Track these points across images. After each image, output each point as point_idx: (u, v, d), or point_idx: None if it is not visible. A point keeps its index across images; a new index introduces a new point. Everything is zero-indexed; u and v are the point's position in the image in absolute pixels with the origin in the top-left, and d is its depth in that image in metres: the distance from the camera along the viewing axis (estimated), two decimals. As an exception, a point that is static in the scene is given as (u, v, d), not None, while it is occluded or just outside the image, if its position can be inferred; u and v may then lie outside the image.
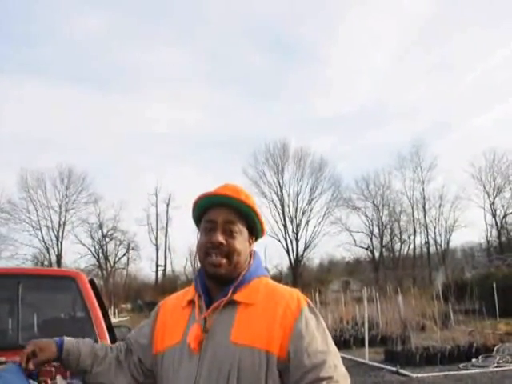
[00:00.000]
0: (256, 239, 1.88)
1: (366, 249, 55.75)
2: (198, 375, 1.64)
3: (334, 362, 1.62)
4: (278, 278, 45.79)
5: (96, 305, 3.98)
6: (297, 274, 51.12)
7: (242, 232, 1.78)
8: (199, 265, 1.86)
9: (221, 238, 1.73)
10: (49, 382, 2.07)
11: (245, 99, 76.76)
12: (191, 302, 1.81)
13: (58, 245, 51.71)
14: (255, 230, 1.85)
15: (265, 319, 1.66)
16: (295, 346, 1.61)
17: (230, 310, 1.70)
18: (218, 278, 1.75)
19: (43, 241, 51.32)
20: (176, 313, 1.86)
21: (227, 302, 1.70)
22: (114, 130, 76.58)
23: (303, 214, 53.57)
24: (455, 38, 68.81)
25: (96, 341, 3.75)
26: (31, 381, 1.99)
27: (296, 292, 1.79)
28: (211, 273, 1.75)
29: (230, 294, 1.70)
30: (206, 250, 1.75)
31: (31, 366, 1.91)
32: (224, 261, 1.73)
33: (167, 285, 51.94)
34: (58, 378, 2.14)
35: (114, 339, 4.03)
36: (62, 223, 52.14)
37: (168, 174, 76.90)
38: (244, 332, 1.65)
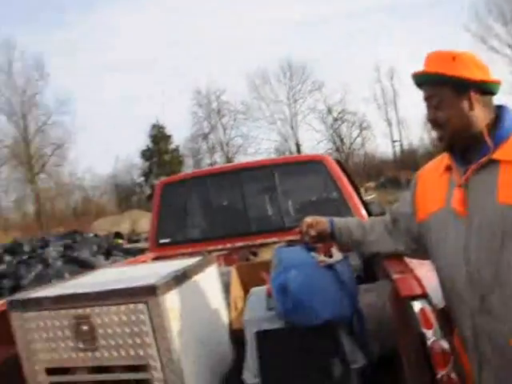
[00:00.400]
0: (485, 93, 1.77)
1: None
2: (468, 238, 1.67)
3: None
4: None
5: (347, 183, 4.18)
6: None
7: (446, 98, 1.76)
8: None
9: (430, 114, 1.81)
10: (322, 255, 2.33)
11: None
12: (448, 168, 1.84)
13: (294, 135, 54.09)
14: (466, 85, 1.74)
15: None
16: None
17: (492, 170, 1.67)
18: (447, 149, 1.82)
19: (280, 133, 54.06)
20: (434, 180, 1.89)
21: (487, 162, 1.69)
22: (326, 14, 74.65)
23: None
24: None
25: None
26: (312, 253, 2.32)
27: None
28: (442, 147, 1.84)
29: (488, 153, 1.68)
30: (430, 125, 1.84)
31: (312, 232, 2.25)
32: (443, 133, 1.80)
33: (406, 159, 51.37)
34: (333, 249, 2.40)
35: (370, 215, 4.27)
36: (293, 114, 54.03)
37: (385, 49, 73.54)
38: (510, 190, 1.61)
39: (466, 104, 1.75)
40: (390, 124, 56.09)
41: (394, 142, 56.18)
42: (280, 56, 62.29)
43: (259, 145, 53.42)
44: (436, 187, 1.86)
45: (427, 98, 1.81)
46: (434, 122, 1.80)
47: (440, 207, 1.80)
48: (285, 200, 4.56)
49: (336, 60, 73.13)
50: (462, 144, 1.77)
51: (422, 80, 1.83)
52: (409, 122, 56.20)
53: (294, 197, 4.81)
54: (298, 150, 52.78)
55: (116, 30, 69.07)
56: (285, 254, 2.42)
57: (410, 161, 49.83)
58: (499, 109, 1.80)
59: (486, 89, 1.78)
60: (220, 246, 3.97)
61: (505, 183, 1.63)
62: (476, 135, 1.73)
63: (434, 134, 1.83)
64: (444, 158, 1.89)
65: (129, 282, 2.22)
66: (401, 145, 56.51)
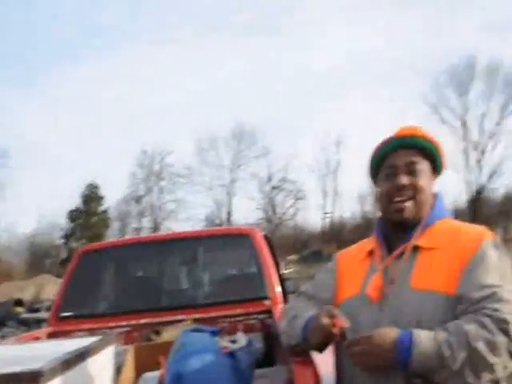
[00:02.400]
0: (437, 176, 1.85)
1: None
2: (379, 324, 1.62)
3: (508, 297, 1.50)
4: (453, 213, 43.07)
5: (269, 259, 4.09)
6: (476, 209, 47.12)
7: (425, 170, 1.77)
8: (378, 213, 1.88)
9: (405, 180, 1.73)
10: (226, 337, 2.26)
11: (421, 20, 69.82)
12: (370, 253, 1.82)
13: (228, 202, 54.34)
14: (436, 168, 1.82)
15: (446, 261, 1.61)
16: (465, 278, 1.56)
17: (412, 256, 1.67)
18: (402, 224, 1.74)
19: (215, 200, 54.18)
20: (354, 264, 1.86)
21: (410, 248, 1.68)
22: (278, 78, 75.43)
23: (490, 137, 48.12)
24: None
25: (267, 296, 4.00)
26: (215, 338, 2.25)
27: (482, 228, 1.72)
28: (396, 219, 1.75)
29: (412, 240, 1.69)
30: (389, 196, 1.76)
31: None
32: (409, 203, 1.73)
33: (333, 232, 52.33)
34: (239, 334, 2.34)
35: (284, 293, 4.23)
36: (233, 180, 54.50)
37: (336, 118, 75.16)
38: (424, 277, 1.61)
39: (430, 183, 1.80)
40: (325, 195, 57.30)
41: (325, 213, 57.29)
42: (232, 120, 63.12)
43: (192, 210, 53.11)
44: (355, 272, 1.84)
45: (407, 164, 1.75)
46: (404, 188, 1.73)
47: (355, 293, 1.77)
48: (203, 274, 4.48)
49: (284, 127, 74.46)
50: (407, 223, 1.74)
51: (413, 143, 1.78)
52: (344, 195, 57.51)
53: (215, 271, 4.72)
54: (229, 219, 52.89)
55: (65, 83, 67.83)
56: (188, 338, 2.33)
57: (336, 235, 50.78)
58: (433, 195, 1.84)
59: (440, 173, 1.85)
60: (124, 323, 3.75)
61: (421, 269, 1.64)
62: (419, 218, 1.74)
63: (397, 203, 1.73)
64: (366, 244, 1.89)
65: (11, 365, 2.04)
66: (331, 217, 57.65)
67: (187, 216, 52.11)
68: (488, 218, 37.46)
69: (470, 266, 1.58)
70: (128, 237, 30.40)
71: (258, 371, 2.55)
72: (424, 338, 1.48)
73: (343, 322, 1.60)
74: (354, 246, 2.01)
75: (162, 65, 69.27)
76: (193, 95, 68.81)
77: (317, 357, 1.87)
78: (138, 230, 47.99)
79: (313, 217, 71.19)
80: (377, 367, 1.55)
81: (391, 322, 1.60)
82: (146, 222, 51.36)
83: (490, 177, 48.38)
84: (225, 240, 4.49)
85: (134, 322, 3.74)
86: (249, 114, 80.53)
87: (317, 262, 42.29)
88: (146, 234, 41.09)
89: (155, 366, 2.65)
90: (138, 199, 50.06)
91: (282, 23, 71.88)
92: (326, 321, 1.62)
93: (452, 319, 1.53)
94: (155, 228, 47.79)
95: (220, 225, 48.11)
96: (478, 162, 48.17)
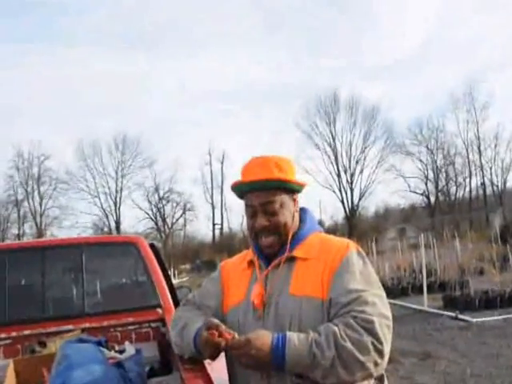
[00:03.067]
0: (299, 192, 1.90)
1: (421, 194, 55.15)
2: (265, 328, 1.68)
3: (373, 300, 1.63)
4: (333, 229, 45.77)
5: (157, 267, 4.07)
6: (352, 224, 51.01)
7: (283, 203, 1.81)
8: None
9: (263, 221, 1.79)
10: (116, 347, 2.19)
11: (295, 52, 75.98)
12: (251, 263, 1.89)
13: (116, 211, 53.14)
14: (295, 190, 1.87)
15: (319, 269, 1.72)
16: (334, 284, 1.68)
17: (289, 266, 1.78)
18: (274, 256, 1.81)
19: (102, 208, 52.81)
20: (237, 274, 1.94)
21: (286, 258, 1.78)
22: (164, 91, 76.92)
23: (357, 162, 53.43)
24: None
25: (159, 304, 3.91)
26: (101, 348, 2.14)
27: (348, 241, 1.85)
28: (266, 253, 1.83)
29: (287, 251, 1.78)
30: (254, 233, 1.83)
31: None
32: (274, 239, 1.80)
33: (224, 243, 52.79)
34: (127, 344, 2.26)
35: (176, 301, 4.18)
36: (118, 189, 53.42)
37: (221, 133, 77.36)
38: (301, 284, 1.72)
39: (292, 205, 1.85)
40: (214, 207, 57.74)
41: (214, 224, 57.63)
42: (115, 128, 62.08)
43: (77, 218, 51.31)
44: (239, 281, 1.90)
45: (263, 204, 1.79)
46: (265, 228, 1.79)
47: (240, 301, 1.84)
48: (90, 283, 4.29)
49: (170, 139, 74.98)
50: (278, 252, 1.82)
51: (258, 186, 1.80)
52: (232, 207, 58.57)
53: (103, 279, 4.56)
54: (117, 227, 51.77)
55: None
56: (71, 349, 2.19)
57: (227, 245, 51.25)
58: (301, 211, 1.92)
59: (301, 190, 1.90)
60: (3, 335, 3.48)
61: (298, 277, 1.75)
62: (288, 239, 1.81)
63: (263, 240, 1.80)
64: (247, 254, 1.95)
65: None
66: (221, 228, 58.14)
67: (72, 223, 50.44)
68: (363, 233, 40.19)
69: (337, 274, 1.70)
70: (8, 242, 28.86)
71: (154, 380, 2.50)
72: (297, 340, 1.57)
73: (227, 333, 1.65)
74: (236, 256, 2.08)
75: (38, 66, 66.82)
76: (75, 99, 66.96)
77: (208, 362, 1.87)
78: (19, 235, 45.60)
79: (203, 227, 71.62)
80: (258, 367, 1.62)
81: (275, 327, 1.68)
82: (28, 228, 49.12)
83: (361, 197, 54.07)
84: (111, 248, 4.42)
85: (14, 333, 3.47)
86: (132, 123, 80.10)
87: (209, 271, 42.53)
88: (28, 240, 39.07)
89: (39, 380, 2.51)
90: (16, 203, 47.58)
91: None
92: (205, 335, 1.67)
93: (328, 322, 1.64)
94: (38, 234, 45.69)
95: (109, 233, 46.93)
96: (350, 183, 53.06)
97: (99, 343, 2.21)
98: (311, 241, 1.83)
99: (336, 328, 1.56)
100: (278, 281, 1.76)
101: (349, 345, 1.53)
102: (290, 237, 1.81)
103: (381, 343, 1.56)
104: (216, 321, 1.70)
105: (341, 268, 1.70)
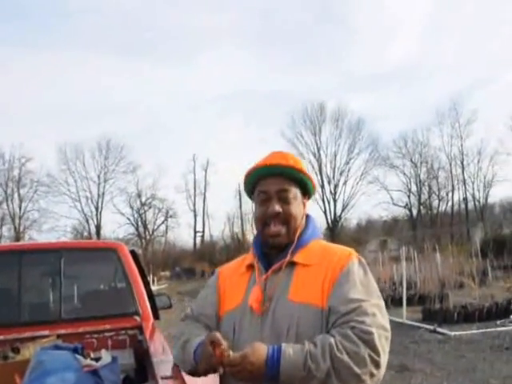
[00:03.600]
0: (309, 198, 1.93)
1: (404, 207, 55.36)
2: (261, 334, 1.68)
3: (372, 310, 1.62)
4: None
5: (137, 274, 4.06)
6: (334, 235, 51.06)
7: (296, 197, 1.83)
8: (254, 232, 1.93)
9: (277, 208, 1.78)
10: (92, 354, 2.16)
11: (281, 62, 76.46)
12: (250, 267, 1.87)
13: (97, 215, 52.69)
14: (307, 191, 1.89)
15: (320, 277, 1.70)
16: (334, 293, 1.66)
17: (289, 271, 1.75)
18: (278, 247, 1.80)
19: (83, 212, 52.31)
20: (235, 278, 1.91)
21: (287, 263, 1.76)
22: (150, 98, 76.92)
23: (341, 174, 53.59)
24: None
25: (137, 311, 3.89)
26: (77, 355, 2.11)
27: (349, 250, 1.83)
28: (271, 243, 1.81)
29: (289, 256, 1.76)
30: (263, 221, 1.81)
31: None
32: (283, 229, 1.79)
33: (205, 251, 52.61)
34: (103, 351, 2.23)
35: (154, 308, 4.15)
36: (100, 194, 52.97)
37: (206, 140, 77.46)
38: (301, 290, 1.70)
39: (302, 206, 1.86)
40: (196, 214, 57.57)
41: (196, 232, 57.41)
42: (99, 132, 61.84)
43: (57, 221, 50.78)
44: (236, 286, 1.88)
45: (278, 191, 1.80)
46: (277, 215, 1.78)
47: (237, 305, 1.82)
48: (68, 288, 4.28)
49: (154, 145, 74.92)
50: (283, 246, 1.80)
51: (277, 171, 1.81)
52: (214, 215, 58.49)
53: (81, 285, 4.53)
54: (98, 232, 51.35)
55: None
56: (46, 356, 2.16)
57: (208, 253, 51.14)
58: (306, 217, 1.91)
59: (312, 195, 1.92)
60: None
61: (297, 283, 1.72)
62: (293, 238, 1.80)
63: (271, 229, 1.78)
64: (246, 258, 1.93)
65: None
66: (202, 236, 57.93)
67: (52, 227, 49.90)
68: (344, 244, 39.71)
69: (338, 282, 1.68)
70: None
71: None
72: (292, 352, 1.54)
73: (223, 349, 1.58)
74: (234, 261, 2.05)
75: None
76: (58, 102, 66.93)
77: None
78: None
79: (184, 235, 71.43)
80: (252, 379, 1.57)
81: (272, 333, 1.67)
82: (6, 231, 48.53)
83: (344, 208, 54.57)
84: (90, 253, 4.39)
85: None
86: (116, 128, 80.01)
87: (189, 278, 42.45)
88: (5, 243, 38.52)
89: None
90: (-5, 205, 47.03)
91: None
92: (208, 349, 1.62)
93: (326, 331, 1.62)
94: (17, 237, 45.16)
95: (89, 238, 46.53)
96: (333, 194, 53.60)
97: (75, 350, 2.18)
98: (313, 247, 1.82)
99: (333, 339, 1.54)
100: (278, 286, 1.74)
101: (345, 357, 1.51)
102: (296, 234, 1.81)
103: (378, 355, 1.54)
104: (218, 336, 1.63)
105: (341, 277, 1.69)
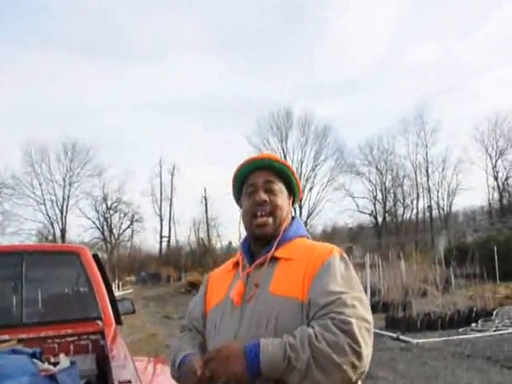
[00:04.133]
0: (294, 200, 2.00)
1: (369, 214, 56.00)
2: (239, 326, 1.71)
3: (352, 302, 1.61)
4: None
5: (99, 278, 4.03)
6: None
7: (282, 190, 1.91)
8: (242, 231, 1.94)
9: (264, 196, 1.85)
10: (51, 359, 2.13)
11: (248, 67, 76.73)
12: (236, 265, 1.92)
13: (62, 219, 51.91)
14: (292, 190, 1.97)
15: (300, 271, 1.72)
16: (314, 286, 1.67)
17: (271, 265, 1.78)
18: (264, 238, 1.85)
19: (47, 215, 51.49)
20: (221, 277, 1.97)
21: (270, 258, 1.79)
22: (117, 102, 76.41)
23: (307, 180, 53.80)
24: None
25: (99, 316, 3.83)
26: (35, 360, 2.06)
27: (332, 246, 1.85)
28: (258, 234, 1.85)
29: (272, 250, 1.80)
30: (251, 211, 1.86)
31: None
32: (269, 219, 1.85)
33: (171, 256, 52.28)
34: (61, 356, 2.20)
35: (117, 313, 4.10)
36: (66, 197, 52.22)
37: (172, 145, 77.28)
38: (282, 283, 1.72)
39: (288, 202, 1.94)
40: (162, 219, 57.22)
41: (162, 237, 57.03)
42: (65, 134, 60.91)
43: (21, 224, 49.82)
44: (221, 282, 1.93)
45: (266, 182, 1.88)
46: (263, 203, 1.85)
47: (220, 300, 1.86)
48: (30, 292, 4.18)
49: (120, 149, 74.43)
50: (268, 238, 1.84)
51: (264, 164, 1.91)
52: (180, 220, 58.25)
53: (42, 289, 4.45)
54: (63, 236, 50.62)
55: None
56: (3, 360, 2.11)
57: (174, 258, 50.85)
58: (292, 218, 1.98)
59: (297, 196, 2.00)
60: None
61: (278, 276, 1.75)
62: (279, 233, 1.85)
63: (258, 219, 1.84)
64: (234, 258, 1.98)
65: None
66: (168, 241, 57.57)
67: (16, 230, 48.98)
68: None
69: (318, 276, 1.69)
70: None
71: None
72: (271, 345, 1.54)
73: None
74: (223, 264, 2.09)
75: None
76: (23, 104, 66.02)
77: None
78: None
79: (150, 239, 70.93)
80: (234, 379, 1.55)
81: (250, 325, 1.69)
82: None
83: (309, 215, 55.02)
84: (52, 257, 4.34)
85: None
86: (83, 131, 79.46)
87: (155, 283, 42.12)
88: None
89: None
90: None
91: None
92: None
93: (307, 324, 1.62)
94: (-22, 240, 44.22)
95: (53, 241, 45.84)
96: (298, 200, 53.73)
97: (33, 355, 2.13)
98: (296, 243, 1.85)
99: (311, 330, 1.54)
100: (260, 279, 1.77)
101: (324, 346, 1.50)
102: (282, 227, 1.86)
103: (359, 345, 1.52)
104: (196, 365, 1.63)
105: (322, 270, 1.70)
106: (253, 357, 1.54)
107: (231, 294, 1.80)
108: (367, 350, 1.56)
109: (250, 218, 1.87)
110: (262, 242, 1.86)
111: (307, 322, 1.62)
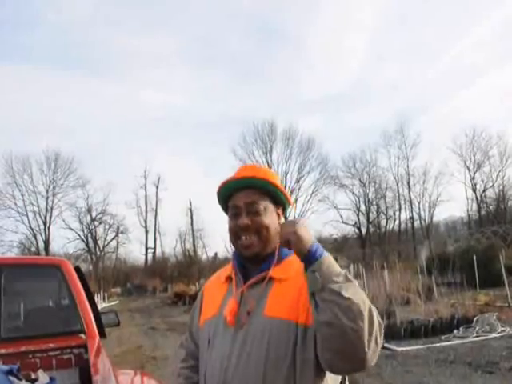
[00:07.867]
0: (284, 210, 1.92)
1: (353, 225, 56.35)
2: (232, 347, 1.69)
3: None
4: None
5: (82, 291, 3.97)
6: None
7: (266, 208, 1.82)
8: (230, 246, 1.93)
9: (246, 220, 1.78)
10: (32, 375, 2.09)
11: (233, 82, 78.19)
12: (229, 278, 1.88)
13: (45, 230, 51.32)
14: (280, 201, 1.88)
15: (294, 291, 1.69)
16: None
17: (266, 286, 1.74)
18: (253, 258, 1.80)
19: (30, 227, 50.91)
20: (214, 288, 1.94)
21: (264, 277, 1.75)
22: (101, 114, 76.17)
23: (291, 192, 53.91)
24: (434, 17, 68.91)
25: (82, 329, 3.80)
26: (11, 377, 2.03)
27: None
28: (245, 255, 1.81)
29: (269, 272, 1.75)
30: (235, 234, 1.81)
31: None
32: (255, 239, 1.79)
33: (157, 267, 51.92)
34: (40, 372, 2.16)
35: (100, 326, 4.06)
36: (49, 208, 51.73)
37: (157, 157, 77.22)
38: (276, 305, 1.69)
39: (276, 217, 1.85)
40: (147, 231, 56.94)
41: (147, 248, 56.69)
42: (47, 145, 60.38)
43: (2, 236, 49.22)
44: (214, 296, 1.90)
45: (247, 204, 1.80)
46: (247, 228, 1.78)
47: (213, 315, 1.83)
48: (9, 306, 4.11)
49: (106, 160, 74.16)
50: (257, 257, 1.80)
51: (246, 183, 1.82)
52: (165, 231, 57.94)
53: (22, 303, 4.39)
54: (46, 248, 50.07)
55: None
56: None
57: (159, 269, 50.56)
58: None
59: (287, 206, 1.91)
60: None
61: (273, 298, 1.71)
62: (271, 250, 1.81)
63: (243, 241, 1.79)
64: (227, 269, 1.94)
65: None
66: (154, 252, 57.25)
67: (-3, 241, 48.36)
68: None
69: None
70: None
71: None
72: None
73: None
74: (216, 273, 2.05)
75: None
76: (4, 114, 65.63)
77: None
78: None
79: (136, 251, 70.47)
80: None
81: (244, 345, 1.67)
82: None
83: None
84: (33, 270, 4.26)
85: None
86: (66, 142, 79.04)
87: (140, 295, 41.80)
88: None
89: None
90: None
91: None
92: None
93: (301, 347, 1.61)
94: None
95: (36, 253, 45.31)
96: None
97: (10, 372, 2.11)
98: (290, 262, 1.79)
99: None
100: (254, 300, 1.74)
101: (367, 309, 1.50)
102: (270, 244, 1.80)
103: (380, 330, 1.51)
104: None
105: None
106: (317, 249, 1.56)
107: (225, 311, 1.77)
108: (379, 347, 1.51)
109: (235, 239, 1.83)
110: (252, 260, 1.82)
111: (303, 345, 1.61)
